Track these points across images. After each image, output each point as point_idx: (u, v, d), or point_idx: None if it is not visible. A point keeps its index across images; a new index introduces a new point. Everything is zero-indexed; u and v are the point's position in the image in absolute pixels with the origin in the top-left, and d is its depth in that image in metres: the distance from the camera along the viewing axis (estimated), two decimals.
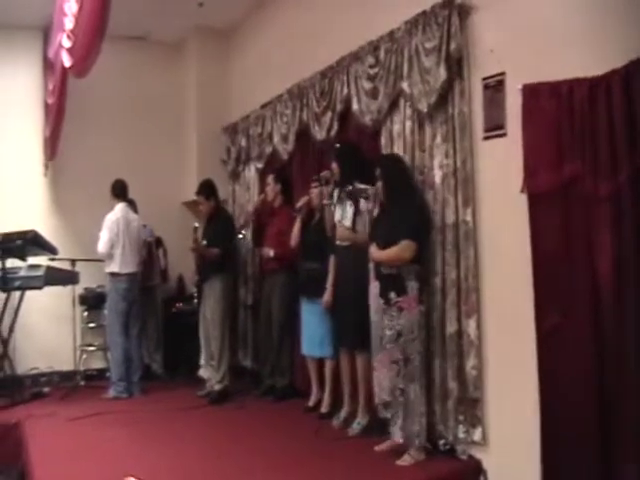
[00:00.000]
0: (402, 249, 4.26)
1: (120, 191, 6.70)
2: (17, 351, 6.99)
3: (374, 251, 4.42)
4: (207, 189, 6.57)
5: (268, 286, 6.41)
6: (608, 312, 3.28)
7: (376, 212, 4.72)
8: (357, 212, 4.87)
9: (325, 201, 5.31)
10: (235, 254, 6.89)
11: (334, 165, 5.10)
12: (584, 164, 3.35)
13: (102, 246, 6.45)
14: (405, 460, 4.24)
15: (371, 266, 4.53)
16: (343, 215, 4.97)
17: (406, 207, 4.36)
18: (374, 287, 4.48)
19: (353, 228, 4.89)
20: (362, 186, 4.83)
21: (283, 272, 6.18)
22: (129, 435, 5.16)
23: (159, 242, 7.56)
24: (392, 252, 4.29)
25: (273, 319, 6.28)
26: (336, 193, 5.11)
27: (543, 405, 3.58)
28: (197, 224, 6.56)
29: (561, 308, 3.49)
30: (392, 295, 4.30)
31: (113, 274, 6.52)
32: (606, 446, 3.28)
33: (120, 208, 6.63)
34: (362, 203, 4.85)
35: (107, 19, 4.42)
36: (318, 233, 5.40)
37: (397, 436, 4.33)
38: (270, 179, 6.40)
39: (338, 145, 5.22)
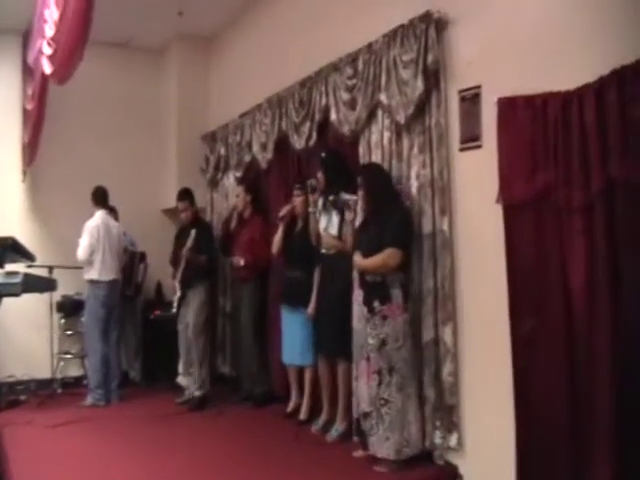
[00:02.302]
0: (388, 257, 4.27)
1: (100, 198, 6.71)
2: None
3: (358, 259, 4.43)
4: (190, 195, 6.64)
5: (238, 295, 6.49)
6: (581, 320, 3.34)
7: (359, 221, 4.74)
8: (343, 220, 4.92)
9: (311, 209, 5.32)
10: (217, 262, 6.93)
11: (319, 174, 5.15)
12: (557, 176, 3.42)
13: (82, 252, 6.45)
14: (383, 466, 4.29)
15: (355, 274, 4.56)
16: (329, 224, 5.03)
17: (390, 215, 4.36)
18: (358, 295, 4.49)
19: (339, 236, 4.95)
20: (347, 196, 4.88)
21: (253, 281, 6.25)
22: (108, 443, 5.17)
23: (143, 257, 7.55)
24: (377, 260, 4.30)
25: (242, 328, 6.35)
26: (321, 201, 5.16)
27: (518, 411, 3.64)
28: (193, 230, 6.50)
29: (533, 320, 3.58)
30: (376, 303, 4.30)
31: (92, 281, 6.52)
32: (581, 451, 3.34)
33: (100, 215, 6.64)
34: (346, 212, 4.90)
35: (89, 29, 4.43)
36: (302, 241, 5.43)
37: (376, 448, 4.30)
38: (240, 190, 6.48)
39: (324, 154, 5.22)
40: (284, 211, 5.71)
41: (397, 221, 4.36)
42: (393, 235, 4.30)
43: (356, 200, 4.77)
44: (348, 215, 4.88)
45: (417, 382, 4.36)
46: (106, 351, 6.56)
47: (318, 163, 5.24)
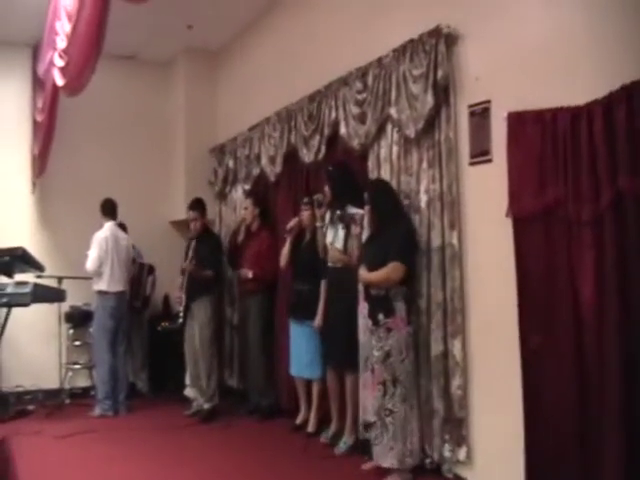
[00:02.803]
0: (392, 270, 4.32)
1: (109, 210, 6.76)
2: (2, 368, 7.01)
3: (363, 273, 4.50)
4: (201, 206, 6.67)
5: (246, 307, 6.51)
6: (590, 332, 3.36)
7: (365, 235, 4.77)
8: (349, 234, 4.95)
9: (318, 223, 5.34)
10: (224, 274, 6.95)
11: (326, 188, 5.17)
12: (567, 189, 3.45)
13: (91, 264, 6.49)
14: (392, 479, 4.30)
15: (360, 288, 4.63)
16: (335, 237, 5.05)
17: (395, 230, 4.42)
18: (363, 308, 4.57)
19: (345, 250, 4.97)
20: (353, 210, 4.92)
21: (260, 294, 6.28)
22: (116, 453, 5.18)
23: (151, 269, 7.58)
24: (381, 274, 4.36)
25: (249, 340, 6.37)
26: (328, 215, 5.19)
27: (527, 424, 3.65)
28: (194, 242, 6.55)
29: (541, 336, 3.60)
30: (380, 316, 4.37)
31: (101, 292, 6.56)
32: (590, 463, 3.34)
33: (109, 226, 6.68)
34: (352, 226, 4.93)
35: (102, 42, 4.48)
36: (309, 254, 5.45)
37: (380, 458, 4.36)
38: (248, 203, 6.52)
39: (331, 168, 5.24)
40: (291, 224, 5.73)
41: (401, 236, 4.43)
42: (397, 250, 4.36)
43: (362, 214, 4.81)
44: (354, 229, 4.92)
45: (419, 394, 4.41)
46: (114, 362, 6.58)
47: (325, 176, 5.27)
